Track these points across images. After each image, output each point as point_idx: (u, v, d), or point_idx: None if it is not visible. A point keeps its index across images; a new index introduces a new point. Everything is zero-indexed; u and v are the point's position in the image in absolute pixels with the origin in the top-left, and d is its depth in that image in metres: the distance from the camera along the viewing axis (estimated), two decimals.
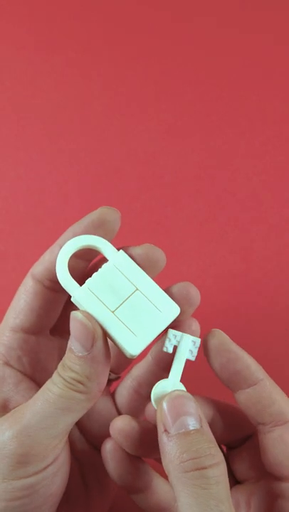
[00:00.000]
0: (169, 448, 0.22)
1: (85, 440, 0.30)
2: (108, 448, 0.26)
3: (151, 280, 0.25)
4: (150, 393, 0.25)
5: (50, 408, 0.24)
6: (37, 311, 0.27)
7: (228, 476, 0.23)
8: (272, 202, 0.47)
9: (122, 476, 0.26)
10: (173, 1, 0.52)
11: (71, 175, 0.47)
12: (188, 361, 0.26)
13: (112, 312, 0.24)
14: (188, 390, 0.25)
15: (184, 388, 0.25)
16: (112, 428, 0.25)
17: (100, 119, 0.49)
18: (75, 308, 0.25)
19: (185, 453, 0.22)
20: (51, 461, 0.25)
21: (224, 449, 0.29)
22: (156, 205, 0.46)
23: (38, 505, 0.25)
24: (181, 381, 0.25)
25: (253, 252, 0.45)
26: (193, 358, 0.25)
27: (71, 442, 0.29)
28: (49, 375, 0.25)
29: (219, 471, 0.22)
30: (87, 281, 0.25)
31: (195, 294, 0.26)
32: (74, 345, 0.24)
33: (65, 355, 0.24)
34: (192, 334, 0.26)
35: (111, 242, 0.26)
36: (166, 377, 0.25)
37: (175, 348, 0.25)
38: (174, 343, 0.25)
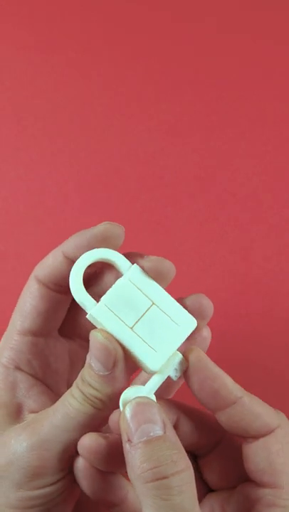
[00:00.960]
0: (131, 457, 0.22)
1: None
2: (79, 466, 0.25)
3: (167, 293, 0.25)
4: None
5: (69, 423, 0.24)
6: (44, 314, 0.27)
7: (200, 484, 0.22)
8: (272, 202, 0.47)
9: (96, 492, 0.25)
10: (173, 1, 0.52)
11: (71, 175, 0.47)
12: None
13: (131, 328, 0.24)
14: None
15: (152, 396, 0.24)
16: (79, 447, 0.24)
17: (100, 119, 0.49)
18: (79, 308, 0.25)
19: (146, 462, 0.21)
20: (67, 472, 0.25)
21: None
22: (156, 205, 0.46)
23: None
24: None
25: (253, 252, 0.45)
26: (174, 378, 0.25)
27: None
28: (60, 378, 0.25)
29: (182, 480, 0.21)
30: (103, 298, 0.24)
31: (208, 306, 0.25)
32: (94, 363, 0.24)
33: (85, 369, 0.24)
34: (203, 341, 0.26)
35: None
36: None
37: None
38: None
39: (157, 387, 0.24)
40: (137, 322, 0.24)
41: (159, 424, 0.22)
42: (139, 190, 0.47)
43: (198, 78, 0.50)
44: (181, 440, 0.23)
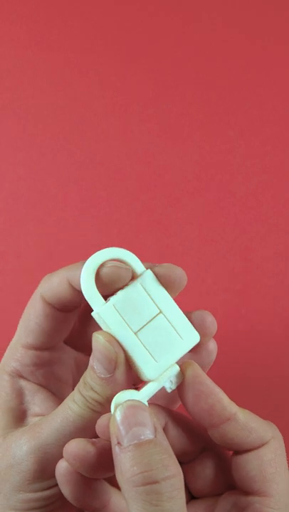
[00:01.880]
0: (120, 460, 0.21)
1: None
2: (62, 471, 0.24)
3: (175, 304, 0.25)
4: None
5: (69, 427, 0.24)
6: (48, 332, 0.27)
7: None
8: (272, 202, 0.47)
9: (79, 498, 0.24)
10: (173, 1, 0.52)
11: (71, 175, 0.47)
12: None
13: (135, 333, 0.24)
14: None
15: (146, 402, 0.24)
16: (65, 452, 0.23)
17: (99, 119, 0.49)
18: (86, 320, 0.25)
19: (136, 465, 0.21)
20: None
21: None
22: (156, 205, 0.46)
23: None
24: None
25: (253, 252, 0.45)
26: (168, 390, 0.24)
27: None
28: (64, 384, 0.25)
29: (173, 486, 0.21)
30: (112, 299, 0.24)
31: (212, 323, 0.25)
32: (96, 366, 0.24)
33: (87, 372, 0.24)
34: (208, 354, 0.26)
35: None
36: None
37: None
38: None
39: (152, 394, 0.24)
40: (141, 328, 0.24)
41: (150, 427, 0.22)
42: (139, 190, 0.47)
43: (199, 78, 0.50)
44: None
